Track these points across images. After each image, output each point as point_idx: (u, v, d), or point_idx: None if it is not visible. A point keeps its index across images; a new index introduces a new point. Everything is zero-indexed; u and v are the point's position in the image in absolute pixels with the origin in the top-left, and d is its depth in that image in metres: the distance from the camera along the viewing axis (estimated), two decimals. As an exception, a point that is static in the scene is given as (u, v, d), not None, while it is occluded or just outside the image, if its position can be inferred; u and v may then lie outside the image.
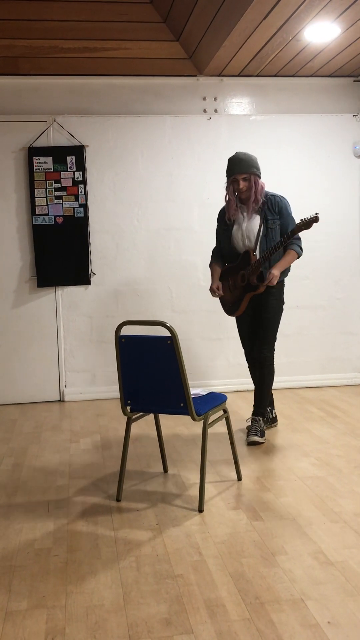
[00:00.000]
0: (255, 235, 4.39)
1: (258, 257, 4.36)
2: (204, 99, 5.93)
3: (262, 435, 4.40)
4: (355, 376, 6.21)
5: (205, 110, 5.94)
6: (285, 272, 4.47)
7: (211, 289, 4.57)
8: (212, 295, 4.61)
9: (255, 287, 4.38)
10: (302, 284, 6.13)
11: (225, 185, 4.50)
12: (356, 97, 6.08)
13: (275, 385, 6.00)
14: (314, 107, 6.05)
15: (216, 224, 4.66)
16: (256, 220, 4.40)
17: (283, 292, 4.51)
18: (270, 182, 5.93)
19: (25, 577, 2.71)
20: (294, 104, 6.03)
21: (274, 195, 4.43)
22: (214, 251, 4.72)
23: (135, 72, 5.75)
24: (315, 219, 4.15)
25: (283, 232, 4.39)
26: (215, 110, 5.95)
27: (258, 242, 4.38)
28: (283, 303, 4.52)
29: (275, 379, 6.03)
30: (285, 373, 6.13)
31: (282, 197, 4.44)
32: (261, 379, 4.53)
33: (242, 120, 5.97)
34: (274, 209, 4.40)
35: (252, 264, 4.33)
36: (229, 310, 4.62)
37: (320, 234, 6.05)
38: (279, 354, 6.10)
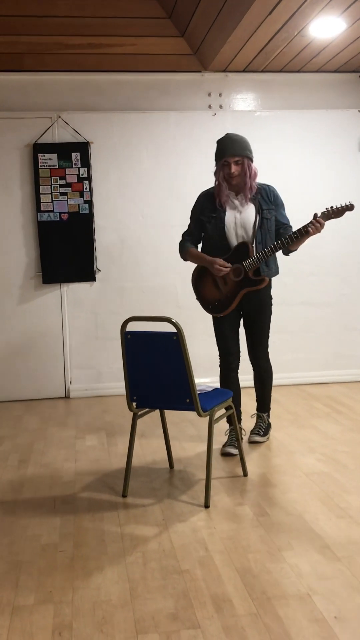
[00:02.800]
0: (251, 225, 4.02)
1: (255, 250, 4.01)
2: (209, 94, 5.92)
3: (265, 433, 4.33)
4: (360, 372, 6.21)
5: (210, 106, 5.93)
6: (275, 271, 4.16)
7: (217, 266, 3.98)
8: (219, 273, 4.01)
9: (255, 282, 4.02)
10: (308, 280, 6.12)
11: (214, 169, 4.08)
12: (361, 92, 6.07)
13: (281, 381, 6.00)
14: (319, 102, 6.04)
15: (194, 206, 4.22)
16: (251, 209, 4.04)
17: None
18: (275, 177, 5.91)
19: (32, 572, 2.72)
20: (299, 99, 6.02)
21: (267, 185, 4.15)
22: (187, 237, 4.21)
23: (140, 68, 5.74)
24: (349, 207, 3.85)
25: (278, 223, 4.12)
26: (220, 106, 5.94)
27: (254, 234, 4.03)
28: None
29: (281, 375, 6.02)
30: (291, 369, 6.13)
31: (273, 186, 4.18)
32: (261, 380, 4.29)
33: (247, 115, 5.95)
34: (269, 198, 4.09)
35: (253, 257, 3.98)
36: (214, 309, 4.12)
37: (326, 230, 6.00)
38: (285, 350, 6.10)
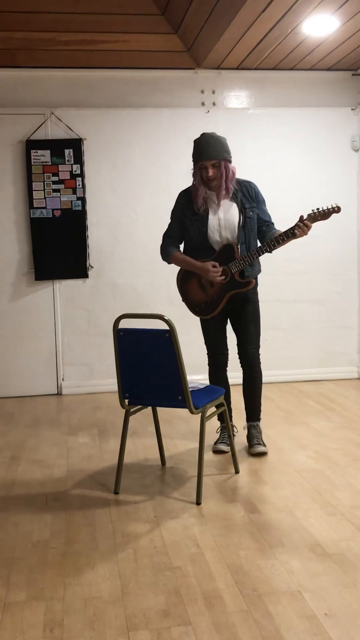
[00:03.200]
0: (235, 225, 3.92)
1: (240, 251, 3.92)
2: (202, 92, 5.92)
3: (265, 444, 4.13)
4: (352, 370, 6.22)
5: (203, 104, 5.92)
6: (258, 270, 4.06)
7: (212, 273, 3.88)
8: (215, 278, 3.90)
9: (242, 285, 3.94)
10: (300, 277, 6.13)
11: (191, 170, 3.95)
12: (354, 90, 6.07)
13: (273, 378, 6.01)
14: (312, 100, 6.04)
15: (174, 206, 4.10)
16: (234, 209, 3.93)
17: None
18: (268, 175, 5.93)
19: (24, 569, 2.72)
20: (292, 97, 6.02)
21: (248, 181, 4.02)
22: (169, 239, 4.08)
23: (133, 64, 5.73)
24: (336, 210, 3.77)
25: (259, 220, 4.01)
26: (214, 104, 5.94)
27: (237, 234, 3.93)
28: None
29: (273, 372, 6.04)
30: (283, 367, 6.14)
31: (254, 182, 4.07)
32: (252, 383, 4.12)
33: (240, 113, 5.95)
34: (250, 195, 3.97)
35: (239, 259, 3.88)
36: (201, 311, 4.05)
37: (318, 228, 5.98)
38: (277, 348, 6.11)
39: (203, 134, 3.89)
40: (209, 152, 3.80)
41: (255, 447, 4.07)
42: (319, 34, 4.99)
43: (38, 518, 3.23)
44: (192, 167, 3.95)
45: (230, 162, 3.88)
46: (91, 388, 5.96)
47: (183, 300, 4.17)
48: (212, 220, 3.95)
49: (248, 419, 4.19)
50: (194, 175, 3.92)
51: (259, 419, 4.19)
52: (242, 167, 5.73)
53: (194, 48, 5.56)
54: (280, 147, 6.01)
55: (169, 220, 4.13)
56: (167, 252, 4.08)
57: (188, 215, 4.00)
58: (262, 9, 4.40)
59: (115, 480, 3.59)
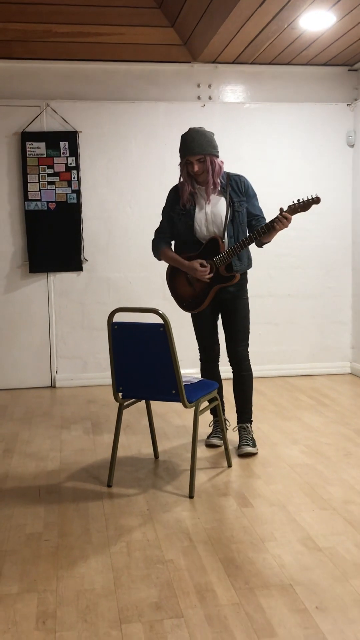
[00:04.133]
0: (222, 220, 3.89)
1: (227, 244, 3.89)
2: (198, 85, 5.91)
3: (254, 444, 4.05)
4: (345, 365, 6.25)
5: (199, 97, 5.92)
6: (247, 265, 4.01)
7: (200, 272, 3.86)
8: (204, 277, 3.88)
9: (226, 279, 3.90)
10: (293, 272, 6.14)
11: (179, 165, 3.94)
12: (350, 86, 6.07)
13: (265, 373, 6.03)
14: (308, 95, 6.04)
15: (165, 202, 4.10)
16: (222, 203, 3.91)
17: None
18: (263, 169, 5.93)
19: (17, 561, 2.73)
20: (288, 92, 6.02)
21: (238, 175, 3.98)
22: (160, 235, 4.09)
23: (130, 57, 5.71)
24: (315, 200, 3.73)
25: (250, 214, 3.97)
26: (210, 97, 5.93)
27: (225, 228, 3.91)
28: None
29: (266, 366, 6.06)
30: (276, 361, 6.16)
31: (245, 177, 4.03)
32: (241, 381, 4.08)
33: (236, 107, 5.95)
34: (240, 190, 3.94)
35: (223, 252, 3.84)
36: (188, 306, 4.03)
37: (311, 223, 6.05)
38: (270, 342, 6.13)
39: (189, 129, 3.87)
40: (193, 148, 3.79)
41: (243, 447, 4.01)
42: (315, 29, 4.99)
43: (31, 511, 3.24)
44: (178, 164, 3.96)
45: (217, 156, 3.85)
46: (85, 381, 5.96)
47: (172, 296, 4.15)
48: (199, 215, 3.93)
49: (238, 421, 4.13)
50: (181, 170, 3.93)
51: (250, 421, 4.12)
52: (237, 161, 5.75)
53: (190, 41, 5.54)
54: (276, 141, 6.01)
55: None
56: (156, 248, 4.08)
57: (176, 210, 4.00)
58: (260, 3, 4.39)
59: (108, 474, 3.61)
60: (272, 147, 6.01)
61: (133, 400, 3.69)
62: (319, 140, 6.06)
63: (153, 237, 4.14)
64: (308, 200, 3.77)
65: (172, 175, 5.82)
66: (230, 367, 4.13)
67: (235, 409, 4.14)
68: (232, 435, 4.29)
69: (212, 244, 3.91)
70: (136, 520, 3.10)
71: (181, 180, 3.95)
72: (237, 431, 4.16)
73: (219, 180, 3.89)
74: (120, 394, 3.56)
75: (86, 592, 2.47)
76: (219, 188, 3.92)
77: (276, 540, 2.86)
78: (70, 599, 2.43)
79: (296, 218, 3.86)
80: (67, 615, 2.33)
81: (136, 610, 2.34)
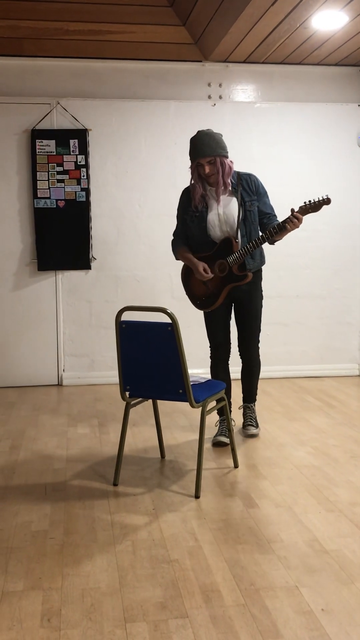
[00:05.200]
0: (235, 219, 3.98)
1: (240, 243, 3.99)
2: (209, 84, 5.90)
3: (257, 425, 4.36)
4: (353, 367, 6.23)
5: (209, 97, 5.90)
6: (260, 262, 4.12)
7: (200, 273, 4.01)
8: (203, 279, 4.03)
9: (239, 278, 4.01)
10: (301, 273, 6.12)
11: (189, 168, 4.02)
12: (362, 86, 6.05)
13: (273, 374, 6.02)
14: (319, 95, 6.02)
15: (177, 205, 4.22)
16: (233, 203, 3.99)
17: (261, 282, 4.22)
18: (273, 169, 5.92)
19: (22, 558, 2.73)
20: (299, 92, 6.00)
21: (248, 174, 4.07)
22: (176, 237, 4.21)
23: (140, 56, 5.71)
24: (326, 201, 3.80)
25: (261, 213, 4.06)
26: (220, 97, 5.92)
27: (238, 228, 3.99)
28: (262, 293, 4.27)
29: (274, 367, 6.05)
30: (284, 362, 6.14)
31: (255, 175, 4.12)
32: (250, 373, 4.29)
33: (247, 107, 5.94)
34: (250, 188, 4.02)
35: (237, 252, 3.95)
36: (202, 304, 4.14)
37: (321, 224, 6.03)
38: (278, 343, 6.11)
39: (198, 132, 3.94)
40: (203, 150, 3.86)
41: (247, 428, 4.31)
42: (327, 29, 4.97)
43: (37, 508, 3.23)
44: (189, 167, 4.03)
45: (226, 157, 3.93)
46: (92, 379, 5.96)
47: (186, 294, 4.27)
48: (212, 216, 4.02)
49: (244, 400, 4.40)
50: (192, 173, 4.00)
51: (254, 401, 4.40)
52: (248, 160, 5.75)
53: (201, 40, 5.53)
54: (286, 141, 6.00)
55: (174, 213, 4.25)
56: (175, 249, 4.20)
57: (189, 213, 4.08)
58: (271, 3, 4.38)
59: (114, 472, 3.60)
60: (282, 147, 5.99)
61: (140, 399, 3.68)
62: (330, 140, 6.04)
63: (172, 238, 4.28)
64: (319, 201, 3.84)
65: (182, 174, 5.83)
66: (239, 367, 4.30)
67: (241, 394, 4.43)
68: (239, 437, 4.29)
69: (226, 244, 4.00)
70: (142, 520, 3.09)
71: (192, 182, 4.02)
72: (242, 409, 4.44)
73: (229, 181, 3.97)
74: (127, 393, 3.55)
75: (91, 591, 2.47)
76: (230, 188, 3.99)
77: (282, 541, 2.85)
78: (75, 597, 2.42)
79: (306, 219, 3.86)
80: (71, 613, 2.32)
81: (141, 610, 2.33)
